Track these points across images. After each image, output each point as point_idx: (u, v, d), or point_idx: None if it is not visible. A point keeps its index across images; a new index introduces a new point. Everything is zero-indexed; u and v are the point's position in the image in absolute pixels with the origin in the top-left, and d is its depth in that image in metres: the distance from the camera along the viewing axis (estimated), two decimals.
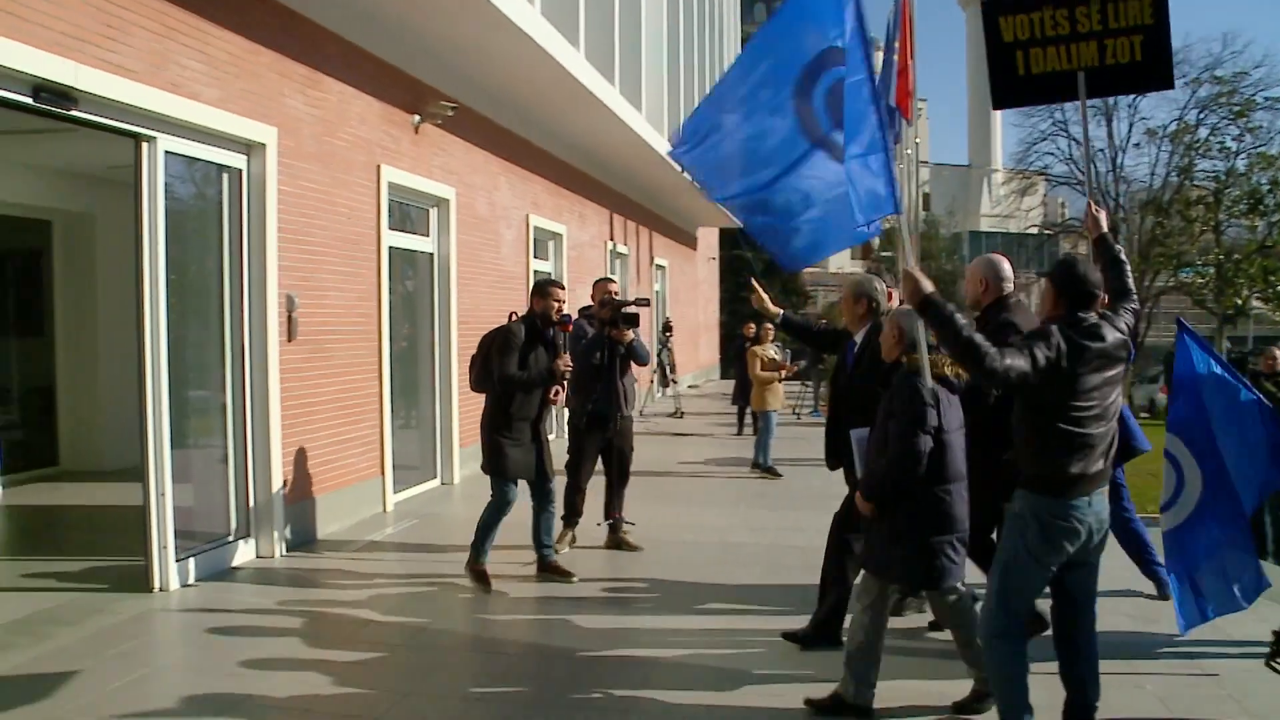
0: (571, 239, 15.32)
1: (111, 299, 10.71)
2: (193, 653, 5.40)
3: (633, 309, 7.56)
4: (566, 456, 7.69)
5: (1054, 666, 4.30)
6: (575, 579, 6.79)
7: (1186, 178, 34.81)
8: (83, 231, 10.99)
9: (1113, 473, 4.29)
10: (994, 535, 5.21)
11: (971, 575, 4.82)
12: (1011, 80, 5.63)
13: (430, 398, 10.57)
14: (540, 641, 5.71)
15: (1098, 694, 4.23)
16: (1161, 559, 6.13)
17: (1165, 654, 5.38)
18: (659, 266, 23.16)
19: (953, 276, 47.61)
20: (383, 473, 9.12)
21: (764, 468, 11.55)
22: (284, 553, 7.41)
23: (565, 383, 6.92)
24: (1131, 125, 35.96)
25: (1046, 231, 45.93)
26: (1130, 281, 4.62)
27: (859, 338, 5.60)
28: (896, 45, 5.38)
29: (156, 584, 6.33)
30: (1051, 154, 37.21)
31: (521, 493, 6.72)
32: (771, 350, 12.51)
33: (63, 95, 5.50)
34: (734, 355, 16.81)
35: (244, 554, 7.21)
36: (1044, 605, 4.57)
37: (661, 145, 16.67)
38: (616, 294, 7.78)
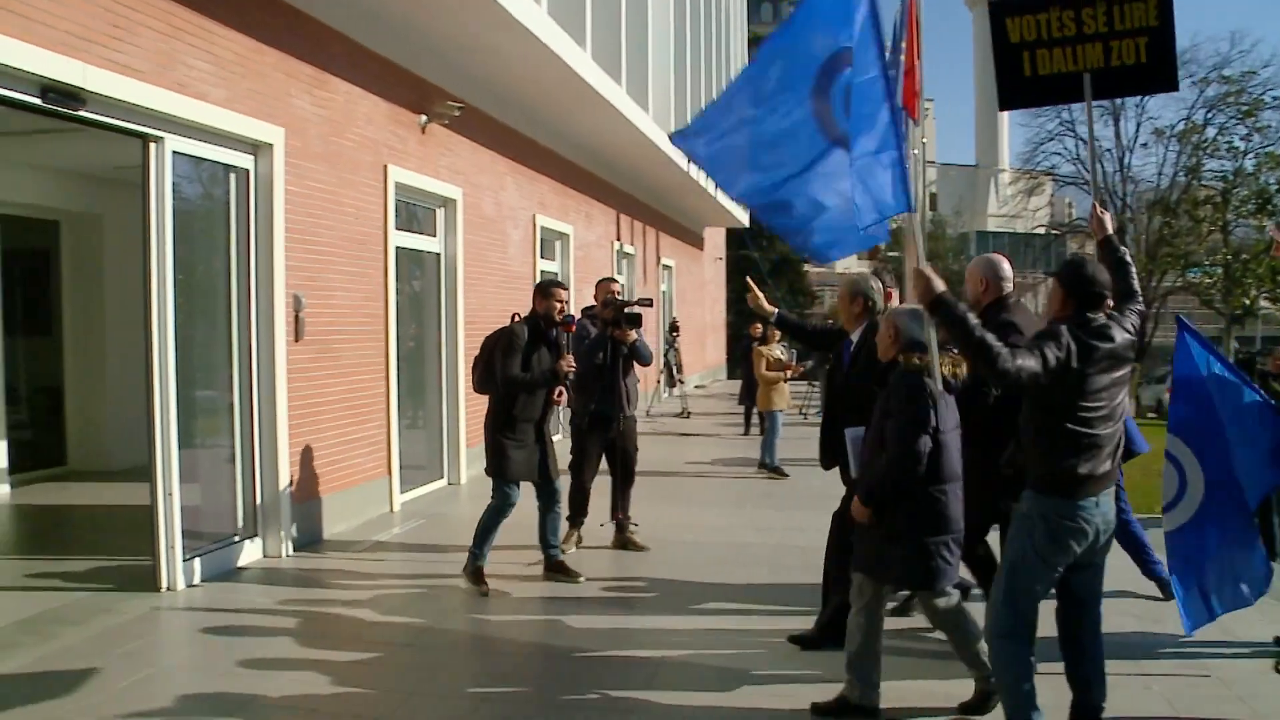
0: (578, 239, 15.33)
1: (119, 299, 10.74)
2: (199, 652, 5.40)
3: (635, 309, 7.56)
4: (570, 457, 7.69)
5: (1060, 667, 4.29)
6: (582, 579, 6.79)
7: (1194, 177, 34.79)
8: (90, 232, 11.02)
9: None
10: (995, 536, 5.23)
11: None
12: (1018, 81, 5.63)
13: (437, 398, 10.58)
14: (545, 641, 5.71)
15: (1104, 694, 4.22)
16: (1160, 558, 6.16)
17: (1171, 655, 5.37)
18: (665, 266, 23.16)
19: (960, 277, 47.52)
20: (389, 473, 9.13)
21: (770, 468, 11.55)
22: (291, 552, 7.42)
23: (568, 383, 6.92)
24: (1139, 125, 35.93)
25: (1053, 232, 45.91)
26: (1135, 283, 4.61)
27: (855, 337, 5.59)
28: (903, 45, 5.38)
29: (163, 583, 6.34)
30: (1059, 154, 37.26)
31: (525, 493, 6.72)
32: (777, 350, 12.50)
33: (71, 95, 5.52)
34: (740, 355, 16.82)
35: (251, 554, 7.22)
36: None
37: (668, 145, 16.65)
38: (619, 294, 7.77)
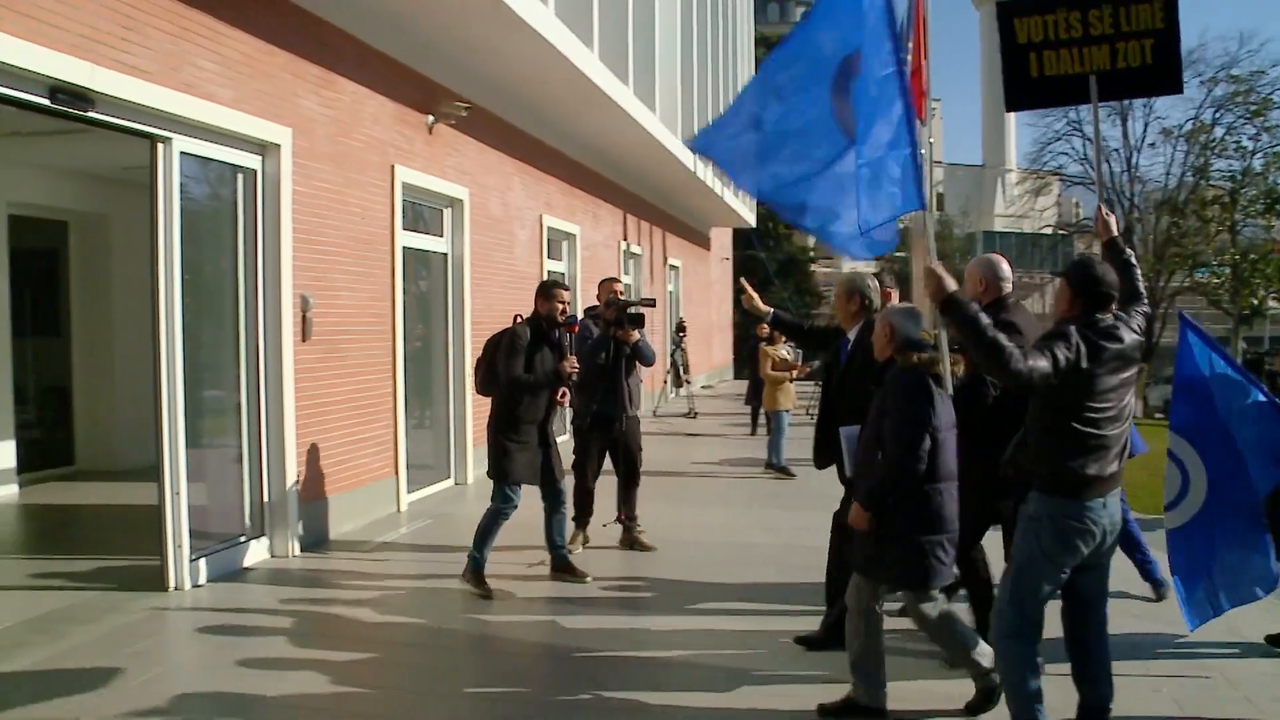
0: (585, 239, 15.34)
1: (127, 299, 10.77)
2: (206, 652, 5.41)
3: (638, 309, 7.55)
4: (573, 457, 7.70)
5: (1067, 668, 4.29)
6: (589, 579, 6.78)
7: (1202, 177, 34.67)
8: (98, 232, 11.06)
9: None
10: (996, 537, 5.22)
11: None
12: (1025, 82, 5.65)
13: (444, 397, 10.59)
14: (552, 642, 5.71)
15: (1111, 695, 4.21)
16: (1155, 558, 6.17)
17: (1177, 655, 5.36)
18: (672, 267, 23.16)
19: (963, 277, 47.45)
20: (396, 473, 9.14)
21: (777, 467, 11.54)
22: (298, 552, 7.43)
23: (571, 384, 6.91)
24: (1147, 125, 35.95)
25: (1061, 232, 45.84)
26: (1140, 285, 4.61)
27: (851, 335, 5.59)
28: (909, 45, 5.37)
29: (171, 583, 6.36)
30: (1066, 154, 37.12)
31: (529, 494, 6.71)
32: (784, 350, 12.49)
33: (79, 96, 5.53)
34: (747, 355, 16.79)
35: (258, 554, 7.24)
36: None
37: (675, 145, 16.70)
38: (622, 294, 7.76)
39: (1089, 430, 3.89)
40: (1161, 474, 5.09)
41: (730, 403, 21.24)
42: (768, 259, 36.35)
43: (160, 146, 6.32)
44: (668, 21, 17.21)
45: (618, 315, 7.49)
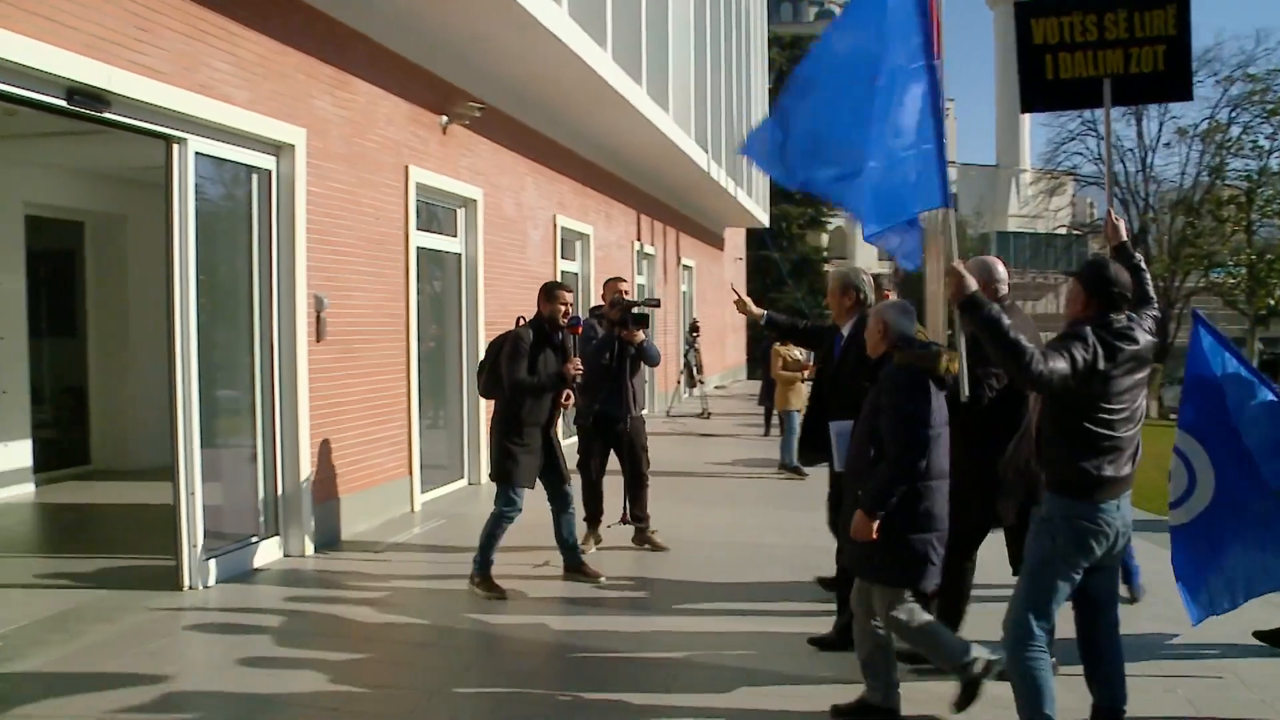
0: (599, 239, 15.35)
1: (142, 299, 10.82)
2: (220, 651, 5.43)
3: (642, 309, 7.54)
4: (577, 457, 7.70)
5: (1080, 669, 4.27)
6: (603, 579, 6.78)
7: (1218, 177, 34.54)
8: (114, 232, 11.11)
9: None
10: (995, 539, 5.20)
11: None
12: (1040, 84, 5.66)
13: (458, 397, 10.61)
14: (565, 642, 5.71)
15: (1124, 697, 4.19)
16: (1137, 564, 6.16)
17: (1192, 655, 5.34)
18: (686, 267, 23.16)
19: None
20: (410, 473, 9.16)
21: (790, 467, 11.52)
22: (312, 552, 7.45)
23: (575, 386, 6.88)
24: (1162, 124, 35.71)
25: (1075, 232, 45.67)
26: (1150, 289, 4.59)
27: (846, 330, 5.57)
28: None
29: (186, 582, 6.38)
30: (1080, 154, 37.07)
31: (537, 494, 6.69)
32: (796, 350, 12.46)
33: (96, 98, 5.56)
34: (760, 356, 16.78)
35: (272, 553, 7.26)
36: None
37: (688, 145, 16.69)
38: (627, 294, 7.75)
39: (1102, 431, 3.87)
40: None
41: (744, 403, 21.24)
42: (781, 259, 36.29)
43: (175, 147, 6.34)
44: (681, 21, 17.20)
45: (622, 315, 7.48)
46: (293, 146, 7.32)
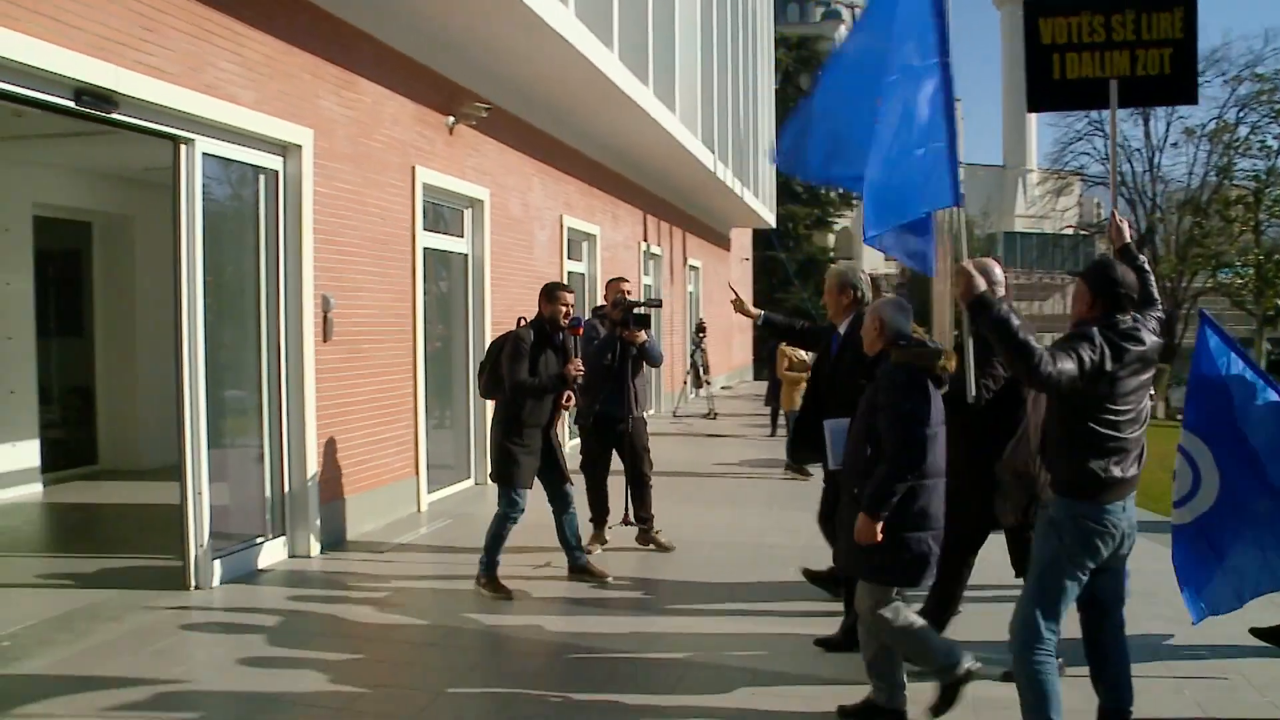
0: (605, 240, 15.35)
1: (150, 300, 10.84)
2: (227, 651, 5.43)
3: (644, 310, 7.54)
4: (580, 458, 7.69)
5: (1087, 670, 4.26)
6: (610, 579, 6.78)
7: (1225, 177, 34.44)
8: (121, 233, 11.13)
9: None
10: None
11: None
12: (1047, 84, 5.66)
13: (464, 398, 10.61)
14: (570, 642, 5.70)
15: (1130, 698, 4.17)
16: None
17: (1199, 655, 5.33)
18: (692, 267, 23.15)
19: None
20: (417, 473, 9.17)
21: (794, 467, 11.50)
22: (318, 552, 7.46)
23: (576, 387, 6.87)
24: (1169, 124, 35.60)
25: (1082, 232, 45.57)
26: (1154, 290, 4.59)
27: (842, 329, 5.56)
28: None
29: (193, 582, 6.39)
30: (1087, 154, 36.94)
31: (538, 495, 6.70)
32: (802, 351, 12.45)
33: (103, 98, 5.57)
34: (767, 356, 16.78)
35: (279, 553, 7.27)
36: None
37: (695, 145, 16.68)
38: (629, 294, 7.74)
39: (1108, 433, 3.86)
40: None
41: (750, 403, 21.23)
42: (788, 259, 36.27)
43: (183, 147, 6.35)
44: (687, 21, 17.20)
45: (624, 315, 7.47)
46: (299, 147, 7.32)
